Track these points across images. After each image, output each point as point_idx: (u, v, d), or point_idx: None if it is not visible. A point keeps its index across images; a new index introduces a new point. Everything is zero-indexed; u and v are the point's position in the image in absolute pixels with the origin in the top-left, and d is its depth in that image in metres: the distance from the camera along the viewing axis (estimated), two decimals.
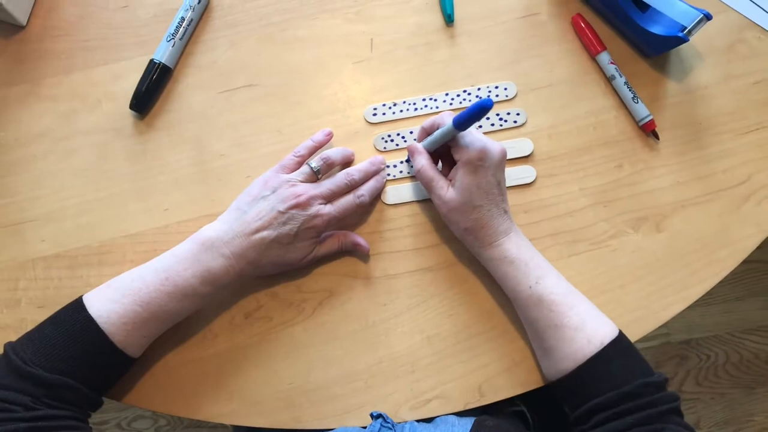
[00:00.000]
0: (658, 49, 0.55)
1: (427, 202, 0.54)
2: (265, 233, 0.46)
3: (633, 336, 0.50)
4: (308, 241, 0.49)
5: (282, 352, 0.52)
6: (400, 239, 0.53)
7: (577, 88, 0.56)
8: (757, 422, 1.26)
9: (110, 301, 0.44)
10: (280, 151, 0.54)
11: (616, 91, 0.55)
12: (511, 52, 0.57)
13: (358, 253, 0.53)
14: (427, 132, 0.51)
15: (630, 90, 0.54)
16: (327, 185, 0.49)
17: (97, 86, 0.56)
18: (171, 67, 0.56)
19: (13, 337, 0.44)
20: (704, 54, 0.56)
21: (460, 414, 0.50)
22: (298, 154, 0.51)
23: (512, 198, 0.53)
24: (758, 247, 0.53)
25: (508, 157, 0.48)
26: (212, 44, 0.57)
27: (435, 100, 0.56)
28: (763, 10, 0.57)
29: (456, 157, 0.47)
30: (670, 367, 1.28)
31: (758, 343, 1.29)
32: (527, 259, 0.47)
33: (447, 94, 0.56)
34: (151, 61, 0.55)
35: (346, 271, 0.53)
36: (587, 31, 0.56)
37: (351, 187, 0.51)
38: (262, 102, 0.56)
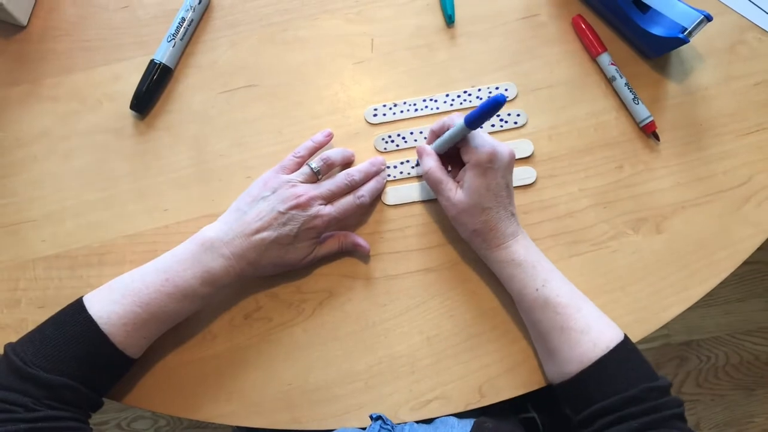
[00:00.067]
0: (658, 50, 0.55)
1: (427, 203, 0.54)
2: (265, 234, 0.46)
3: (633, 337, 0.49)
4: (308, 242, 0.49)
5: (282, 352, 0.52)
6: (400, 240, 0.53)
7: (578, 89, 0.56)
8: (757, 424, 1.26)
9: (110, 302, 0.44)
10: (280, 152, 0.54)
11: (616, 92, 0.55)
12: (512, 53, 0.57)
13: (358, 254, 0.53)
14: (436, 134, 0.50)
15: (630, 91, 0.54)
16: (327, 186, 0.49)
17: (98, 86, 0.56)
18: (171, 67, 0.56)
19: (14, 338, 0.44)
20: (705, 55, 0.56)
21: (461, 415, 0.50)
22: (298, 154, 0.51)
23: None
24: (759, 249, 0.53)
25: None
26: (213, 44, 0.57)
27: (435, 101, 0.56)
28: (764, 11, 0.57)
29: (465, 159, 0.47)
30: (670, 368, 1.28)
31: (758, 344, 1.29)
32: (534, 261, 0.47)
33: (447, 95, 0.56)
34: (152, 61, 0.55)
35: (346, 271, 0.53)
36: (588, 33, 0.56)
37: (351, 187, 0.51)
38: (262, 102, 0.56)
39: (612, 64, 0.55)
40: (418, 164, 0.54)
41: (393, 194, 0.54)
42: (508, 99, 0.56)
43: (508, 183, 0.47)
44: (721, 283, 0.52)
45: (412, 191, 0.54)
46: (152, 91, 0.55)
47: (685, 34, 0.50)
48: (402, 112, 0.56)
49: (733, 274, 0.52)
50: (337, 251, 0.52)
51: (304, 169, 0.50)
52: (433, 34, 0.57)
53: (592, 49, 0.56)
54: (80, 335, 0.43)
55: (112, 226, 0.54)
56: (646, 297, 0.52)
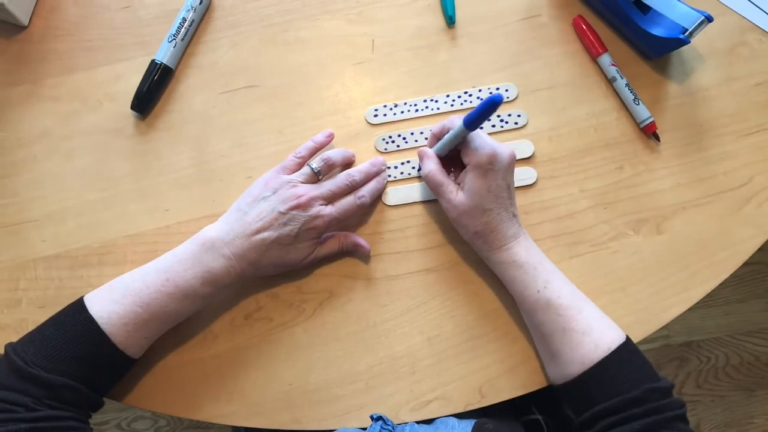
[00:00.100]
0: (659, 51, 0.55)
1: (428, 203, 0.54)
2: (265, 234, 0.46)
3: (633, 338, 0.49)
4: (309, 242, 0.49)
5: (282, 353, 0.52)
6: (401, 240, 0.53)
7: (578, 89, 0.56)
8: (757, 425, 1.26)
9: (111, 302, 0.44)
10: (281, 152, 0.54)
11: (617, 93, 0.55)
12: (512, 53, 0.57)
13: (359, 254, 0.53)
14: (437, 137, 0.50)
15: (631, 92, 0.54)
16: (328, 186, 0.49)
17: (99, 86, 0.57)
18: (172, 67, 0.56)
19: (14, 338, 0.44)
20: (705, 56, 0.56)
21: (461, 416, 0.50)
22: (299, 155, 0.51)
23: None
24: (759, 249, 0.53)
25: None
26: (213, 45, 0.57)
27: (436, 101, 0.56)
28: (764, 12, 0.57)
29: (465, 160, 0.47)
30: (670, 369, 1.27)
31: (759, 345, 1.29)
32: (536, 263, 0.47)
33: (448, 96, 0.56)
34: (153, 61, 0.55)
35: (346, 272, 0.53)
36: (588, 33, 0.56)
37: (352, 188, 0.51)
38: (263, 103, 0.56)
39: (612, 64, 0.55)
40: (419, 168, 0.54)
41: (393, 195, 0.54)
42: (508, 99, 0.56)
43: (509, 184, 0.47)
44: (722, 284, 0.52)
45: (413, 192, 0.54)
46: (153, 91, 0.55)
47: (685, 34, 0.50)
48: (403, 112, 0.56)
49: (734, 275, 0.52)
50: (338, 251, 0.52)
51: (305, 169, 0.50)
52: (433, 35, 0.57)
53: (592, 49, 0.56)
54: (81, 335, 0.43)
55: (113, 226, 0.54)
56: (647, 298, 0.52)
